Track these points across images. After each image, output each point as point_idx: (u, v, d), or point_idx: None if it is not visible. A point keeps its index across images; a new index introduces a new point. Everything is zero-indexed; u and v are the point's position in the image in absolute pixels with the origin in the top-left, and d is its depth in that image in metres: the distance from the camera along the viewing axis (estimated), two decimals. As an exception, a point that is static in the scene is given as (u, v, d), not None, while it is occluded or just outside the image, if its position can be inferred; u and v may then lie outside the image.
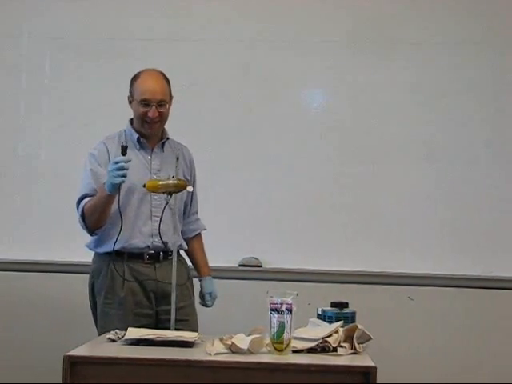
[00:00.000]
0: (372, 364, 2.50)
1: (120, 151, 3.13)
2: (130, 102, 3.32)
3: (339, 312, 2.87)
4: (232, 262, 4.19)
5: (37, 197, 4.30)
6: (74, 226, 4.12)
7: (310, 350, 2.65)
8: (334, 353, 2.64)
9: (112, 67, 4.27)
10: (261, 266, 4.21)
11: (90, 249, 3.34)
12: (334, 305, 2.93)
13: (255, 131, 4.26)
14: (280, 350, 2.59)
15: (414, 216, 4.24)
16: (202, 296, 3.42)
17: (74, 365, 2.47)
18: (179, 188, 2.98)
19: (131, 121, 3.36)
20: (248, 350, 2.58)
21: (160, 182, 2.99)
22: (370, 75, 4.25)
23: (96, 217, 3.19)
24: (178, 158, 3.07)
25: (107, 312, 3.23)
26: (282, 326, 2.59)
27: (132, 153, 3.25)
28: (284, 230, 4.20)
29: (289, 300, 2.61)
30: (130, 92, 3.33)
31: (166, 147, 3.36)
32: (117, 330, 2.81)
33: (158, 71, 3.34)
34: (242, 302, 4.03)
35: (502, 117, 4.27)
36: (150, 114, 3.24)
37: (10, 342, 4.21)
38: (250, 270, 4.19)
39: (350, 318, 2.84)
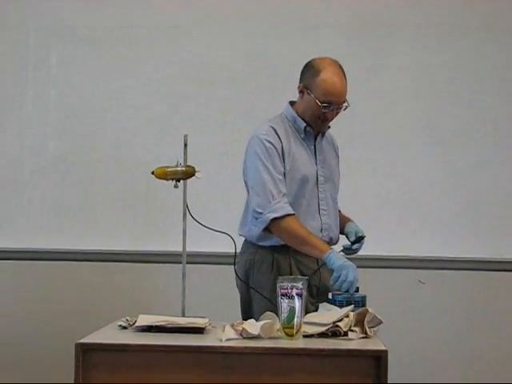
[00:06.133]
0: (383, 348, 2.50)
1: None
2: (302, 92, 3.07)
3: (350, 296, 2.87)
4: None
5: (45, 187, 4.31)
6: (82, 214, 4.18)
7: (321, 335, 2.65)
8: (345, 337, 2.63)
9: (119, 57, 4.29)
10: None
11: (251, 241, 3.12)
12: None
13: (260, 120, 4.25)
14: (290, 335, 2.59)
15: (423, 199, 4.24)
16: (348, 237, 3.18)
17: (85, 352, 2.48)
18: (188, 175, 2.96)
19: (291, 104, 3.13)
20: (259, 335, 2.59)
21: (168, 169, 2.95)
22: (374, 61, 4.26)
23: (290, 243, 3.00)
24: (185, 145, 3.04)
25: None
26: (292, 311, 2.59)
27: (297, 141, 3.09)
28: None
29: (299, 285, 2.61)
30: (304, 81, 3.05)
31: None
32: (127, 317, 2.81)
33: (339, 64, 3.06)
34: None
35: (509, 100, 4.26)
36: (329, 117, 3.05)
37: (21, 331, 4.24)
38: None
39: (360, 302, 2.83)
